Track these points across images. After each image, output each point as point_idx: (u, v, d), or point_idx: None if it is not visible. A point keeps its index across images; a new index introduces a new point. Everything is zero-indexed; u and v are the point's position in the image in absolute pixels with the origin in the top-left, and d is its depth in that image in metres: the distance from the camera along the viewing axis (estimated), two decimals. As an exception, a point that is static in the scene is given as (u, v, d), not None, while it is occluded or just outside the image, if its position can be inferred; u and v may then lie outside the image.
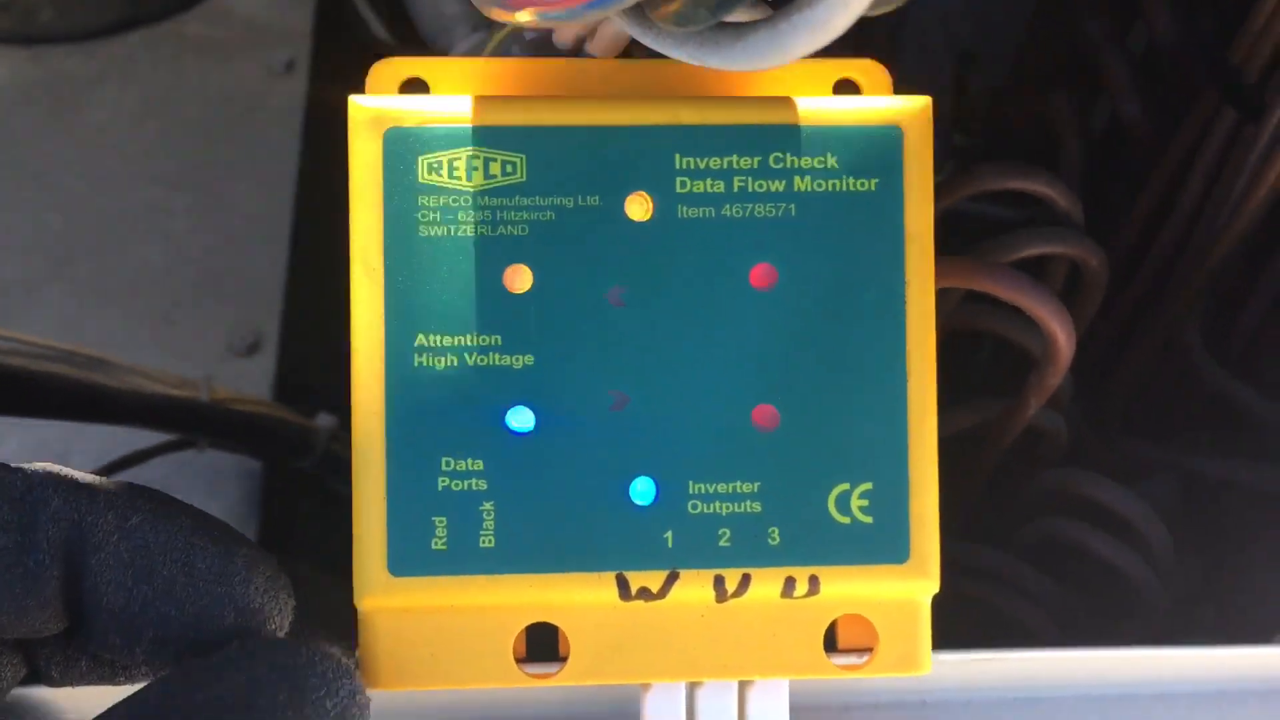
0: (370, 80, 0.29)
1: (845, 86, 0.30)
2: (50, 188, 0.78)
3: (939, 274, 0.31)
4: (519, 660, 0.28)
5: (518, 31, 0.35)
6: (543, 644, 0.29)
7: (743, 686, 0.30)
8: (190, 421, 0.59)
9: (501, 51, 0.35)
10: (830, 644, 0.29)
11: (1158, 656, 0.33)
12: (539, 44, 0.33)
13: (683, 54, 0.21)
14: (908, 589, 0.28)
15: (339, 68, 0.88)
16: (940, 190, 0.35)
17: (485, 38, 0.45)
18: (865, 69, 0.30)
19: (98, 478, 0.25)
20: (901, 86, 0.30)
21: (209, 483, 0.68)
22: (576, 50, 0.31)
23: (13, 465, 0.25)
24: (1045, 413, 0.37)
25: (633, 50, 0.31)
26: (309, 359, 0.75)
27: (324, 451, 0.69)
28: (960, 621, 0.37)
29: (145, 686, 0.24)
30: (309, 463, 0.69)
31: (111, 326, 0.74)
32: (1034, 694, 0.34)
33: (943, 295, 0.38)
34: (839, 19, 0.18)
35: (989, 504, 0.42)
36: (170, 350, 0.73)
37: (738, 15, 0.21)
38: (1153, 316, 0.40)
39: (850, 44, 0.30)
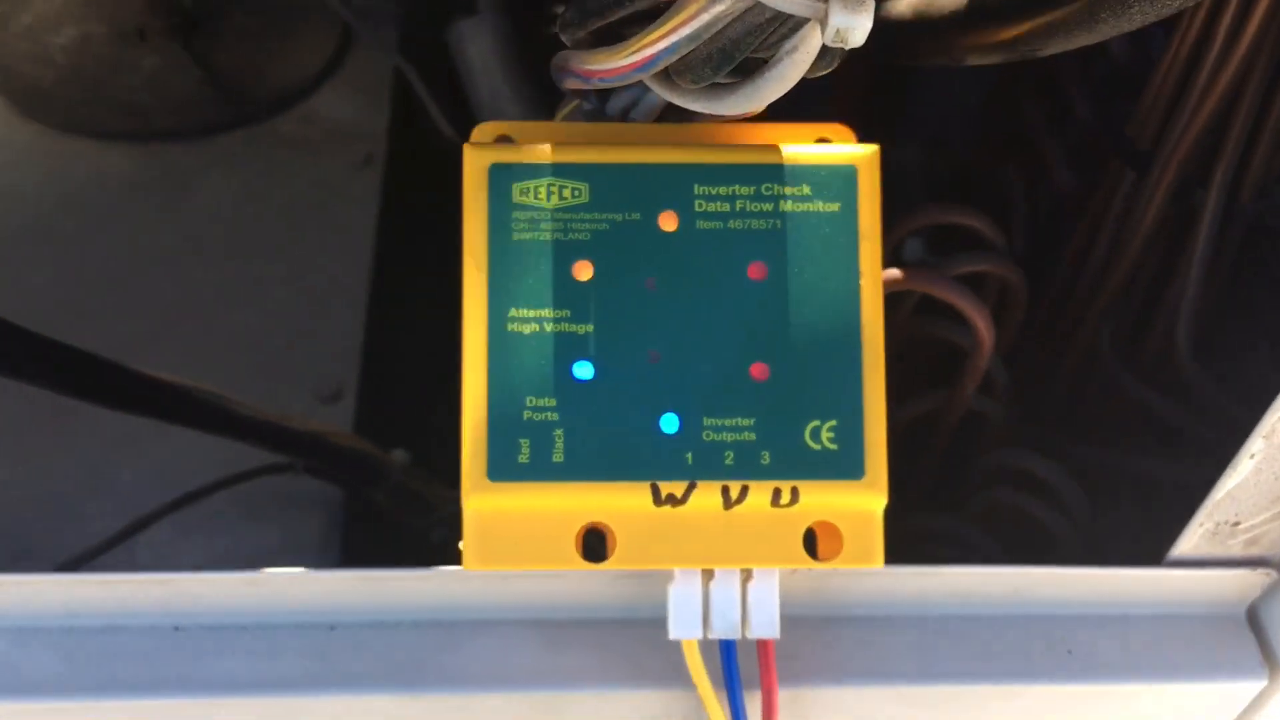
0: (474, 134, 0.41)
1: (823, 141, 0.41)
2: (164, 262, 0.89)
3: (898, 281, 0.41)
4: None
5: (579, 106, 0.46)
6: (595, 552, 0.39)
7: (744, 576, 0.40)
8: (294, 445, 0.70)
9: (567, 120, 0.46)
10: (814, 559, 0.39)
11: (1065, 574, 0.42)
12: (594, 114, 0.45)
13: (695, 104, 0.32)
14: (865, 500, 0.38)
15: (411, 161, 1.00)
16: (897, 222, 0.46)
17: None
18: (836, 130, 0.41)
19: None
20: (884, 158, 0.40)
21: (299, 505, 0.78)
22: (623, 118, 0.43)
23: None
24: (985, 401, 0.47)
25: (663, 119, 0.43)
26: (383, 406, 0.86)
27: (396, 483, 0.79)
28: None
29: None
30: (383, 492, 0.80)
31: (215, 379, 0.85)
32: (972, 610, 0.44)
33: (899, 301, 0.48)
34: (790, 77, 0.29)
35: (945, 480, 0.52)
36: (266, 398, 0.84)
37: (729, 78, 0.32)
38: (1076, 334, 0.50)
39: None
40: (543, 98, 0.89)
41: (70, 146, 0.95)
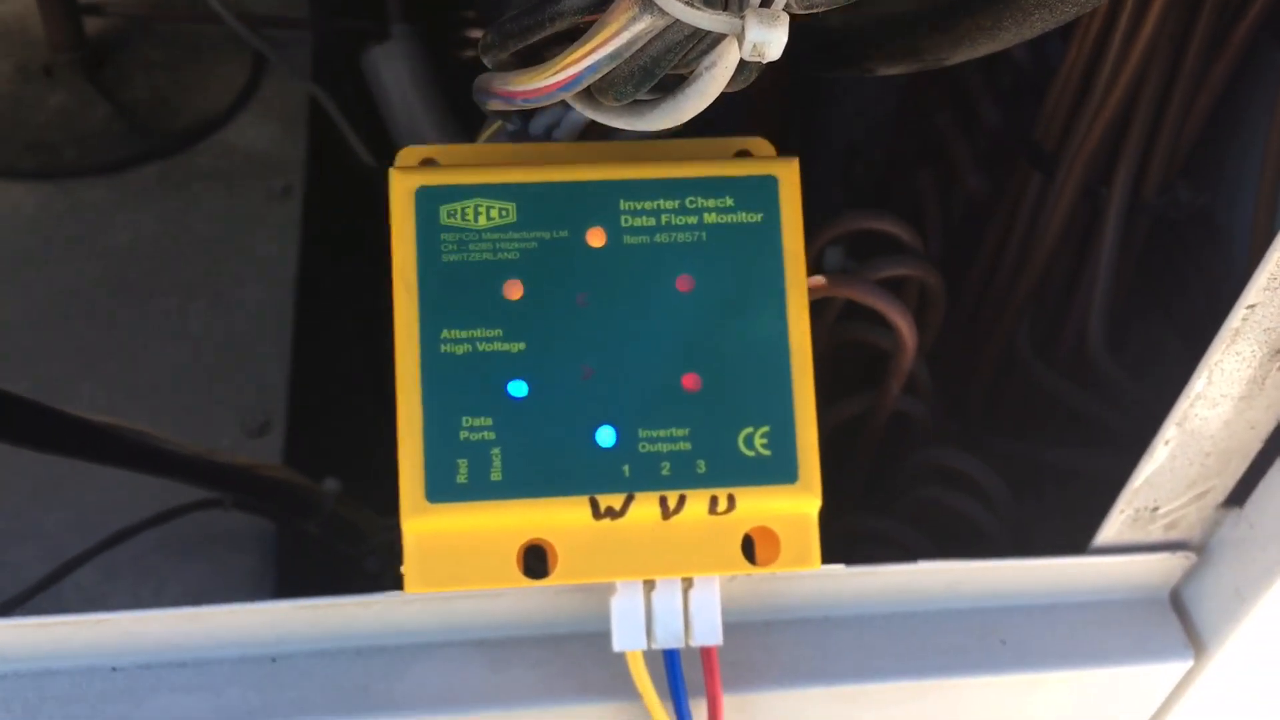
0: (399, 159, 0.41)
1: (743, 155, 0.42)
2: (81, 301, 0.88)
3: (821, 288, 0.42)
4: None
5: (502, 128, 0.47)
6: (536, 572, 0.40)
7: (685, 585, 0.40)
8: (223, 479, 0.69)
9: (491, 142, 0.47)
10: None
11: (995, 567, 0.44)
12: (518, 134, 0.45)
13: (618, 121, 0.33)
14: (799, 503, 0.39)
15: (330, 190, 0.99)
16: (817, 231, 0.47)
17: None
18: (756, 143, 0.42)
19: None
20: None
21: (230, 541, 0.77)
22: (547, 137, 0.43)
23: None
24: (910, 400, 0.48)
25: (586, 137, 0.43)
26: (312, 437, 0.85)
27: (330, 513, 0.79)
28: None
29: None
30: (315, 523, 0.79)
31: (139, 417, 0.84)
32: (908, 607, 0.45)
33: (823, 307, 0.49)
34: (709, 92, 0.30)
35: (876, 480, 0.53)
36: (192, 434, 0.83)
37: (650, 95, 0.32)
38: (994, 332, 0.52)
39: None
40: (461, 120, 0.90)
41: (-23, 187, 0.93)
